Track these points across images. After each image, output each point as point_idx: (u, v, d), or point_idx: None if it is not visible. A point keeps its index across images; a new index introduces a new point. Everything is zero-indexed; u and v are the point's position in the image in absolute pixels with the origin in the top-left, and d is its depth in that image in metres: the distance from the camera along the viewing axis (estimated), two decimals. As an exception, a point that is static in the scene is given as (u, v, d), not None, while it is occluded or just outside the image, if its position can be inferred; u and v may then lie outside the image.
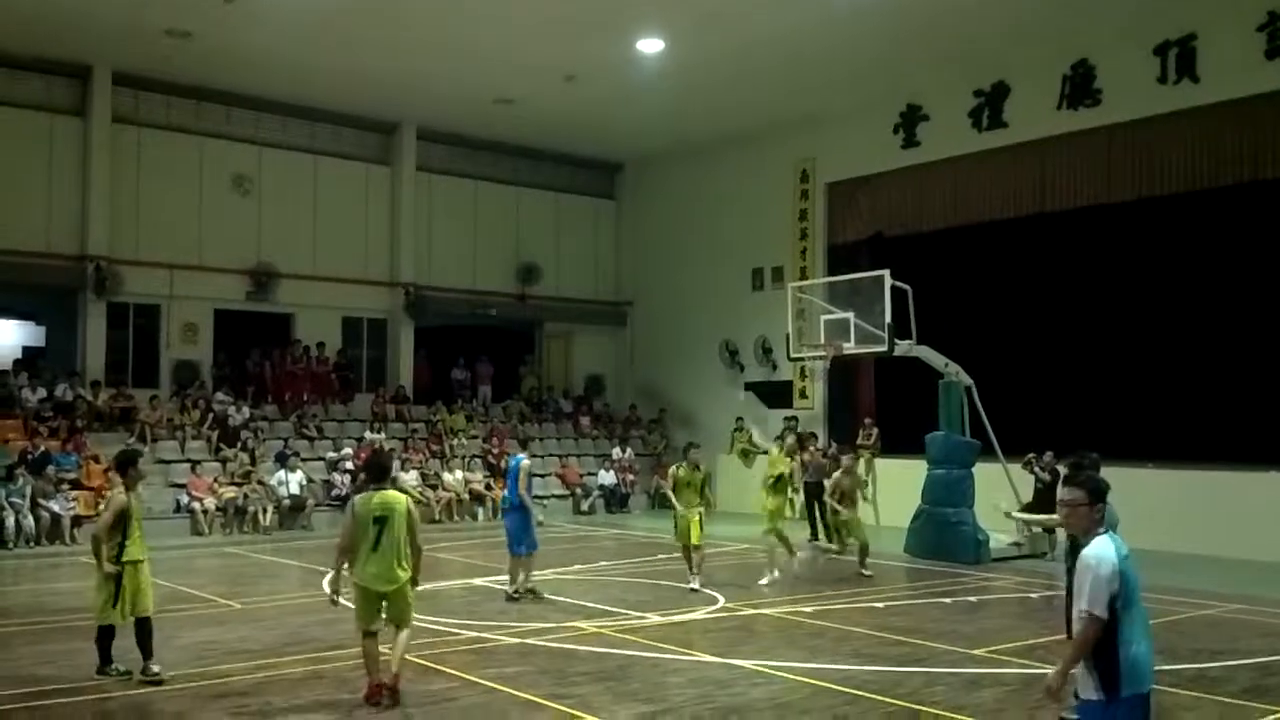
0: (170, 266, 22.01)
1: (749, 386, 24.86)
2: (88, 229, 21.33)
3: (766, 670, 8.70)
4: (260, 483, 19.75)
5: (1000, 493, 15.31)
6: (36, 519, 17.09)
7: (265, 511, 19.21)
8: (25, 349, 23.89)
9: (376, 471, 8.06)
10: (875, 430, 21.24)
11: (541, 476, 23.05)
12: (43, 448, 18.39)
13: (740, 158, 25.21)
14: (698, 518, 12.58)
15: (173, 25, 18.76)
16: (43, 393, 20.31)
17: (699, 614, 11.23)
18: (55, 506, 17.35)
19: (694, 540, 12.54)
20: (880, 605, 11.76)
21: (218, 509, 19.04)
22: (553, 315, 28.02)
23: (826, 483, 15.13)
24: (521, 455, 12.55)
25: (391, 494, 7.73)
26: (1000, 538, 15.84)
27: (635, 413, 27.11)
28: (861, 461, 18.58)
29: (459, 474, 22.12)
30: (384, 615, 7.66)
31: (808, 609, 11.45)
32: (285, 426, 22.27)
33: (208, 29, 18.98)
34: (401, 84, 22.05)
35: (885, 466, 20.07)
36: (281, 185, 23.61)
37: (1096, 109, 19.00)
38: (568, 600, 12.00)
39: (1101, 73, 18.97)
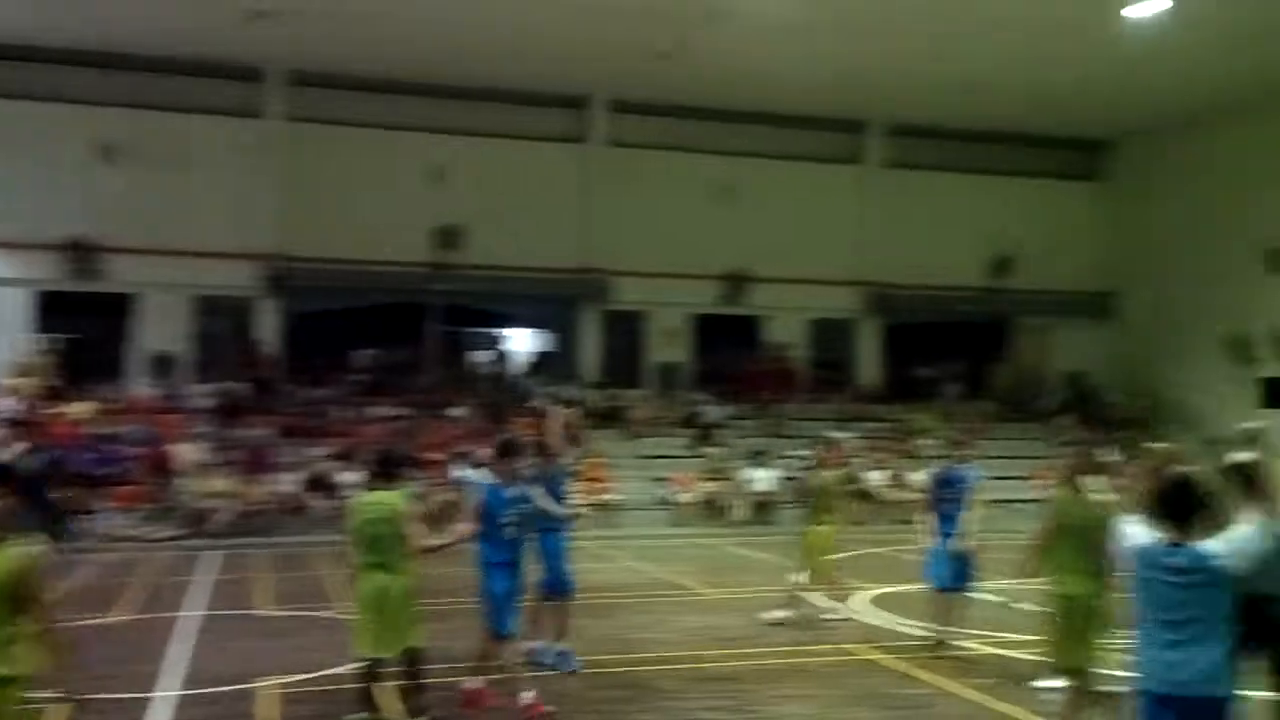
0: (654, 275, 23.70)
1: (1264, 382, 21.76)
2: (587, 244, 23.63)
3: None
4: (732, 478, 20.62)
5: None
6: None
7: (736, 506, 20.03)
8: (538, 354, 26.93)
9: None
10: None
11: (1014, 480, 21.80)
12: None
13: (1248, 127, 22.20)
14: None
15: (657, 49, 20.08)
16: (550, 392, 22.73)
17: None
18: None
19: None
20: None
21: (695, 502, 20.17)
22: (1028, 309, 26.50)
23: None
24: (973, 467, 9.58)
25: None
26: None
27: (1131, 411, 24.57)
28: None
29: (924, 474, 21.53)
30: None
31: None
32: (758, 425, 23.07)
33: (687, 49, 20.11)
34: (867, 81, 21.98)
35: None
36: (755, 192, 24.49)
37: None
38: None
39: None
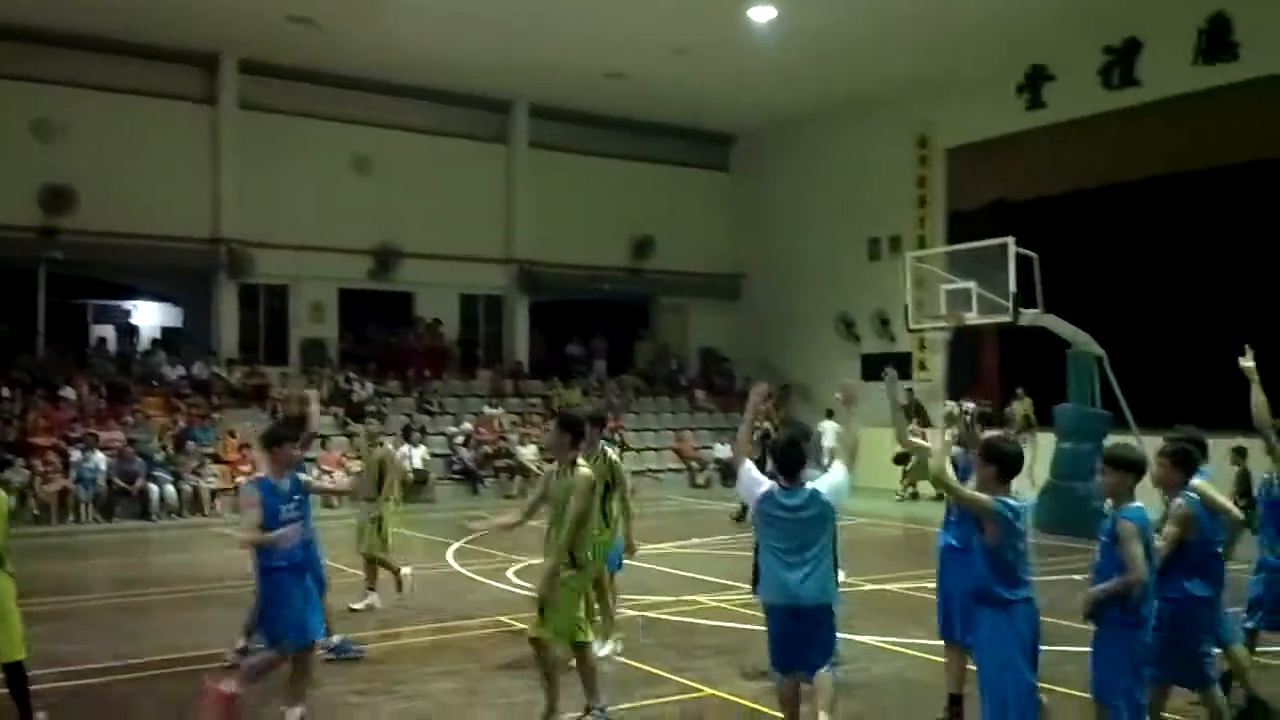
0: (297, 248, 22.69)
1: (865, 359, 24.45)
2: (220, 213, 22.20)
3: (889, 646, 8.56)
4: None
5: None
6: (179, 491, 17.93)
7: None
8: (164, 329, 25.01)
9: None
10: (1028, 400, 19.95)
11: (655, 451, 23.19)
12: (182, 423, 19.26)
13: (855, 126, 24.69)
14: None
15: (297, 12, 19.27)
16: (181, 370, 21.27)
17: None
18: (196, 480, 18.19)
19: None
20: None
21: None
22: (667, 289, 28.05)
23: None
24: None
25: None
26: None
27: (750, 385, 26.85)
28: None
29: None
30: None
31: (932, 584, 11.20)
32: (408, 403, 22.83)
33: (331, 17, 19.45)
34: (514, 63, 22.21)
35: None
36: (401, 166, 24.07)
37: (1235, 64, 18.03)
38: (686, 574, 12.02)
39: (1240, 25, 17.98)
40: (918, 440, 7.57)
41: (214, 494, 18.22)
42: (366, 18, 19.35)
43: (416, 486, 20.07)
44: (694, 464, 23.73)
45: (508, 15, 19.33)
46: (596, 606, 7.87)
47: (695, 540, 14.81)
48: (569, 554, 6.28)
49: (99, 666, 8.11)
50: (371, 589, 10.20)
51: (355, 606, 9.90)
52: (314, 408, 8.10)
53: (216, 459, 18.98)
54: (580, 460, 6.50)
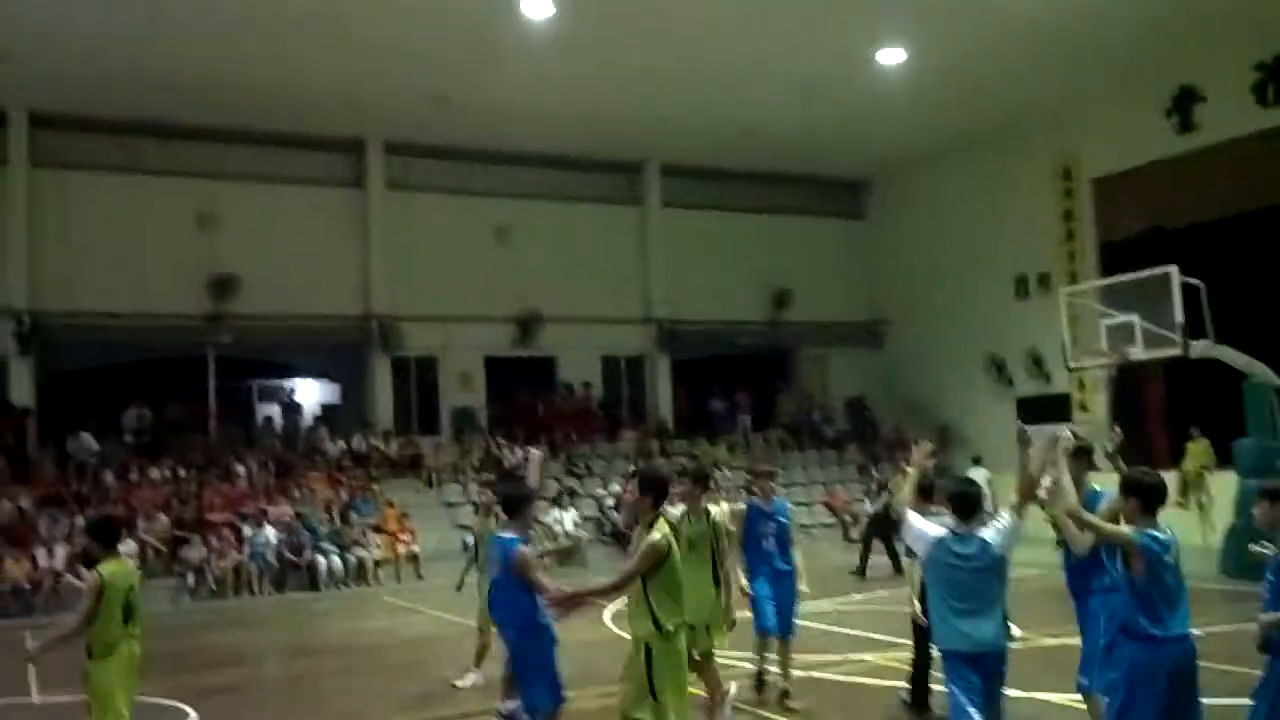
0: (444, 320, 23.37)
1: (1021, 403, 23.55)
2: (370, 290, 23.10)
3: (1078, 706, 8.08)
4: (538, 521, 20.47)
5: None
6: (344, 562, 18.48)
7: (545, 550, 19.87)
8: (324, 405, 26.00)
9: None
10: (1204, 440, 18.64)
11: (806, 505, 22.75)
12: (345, 496, 19.91)
13: (994, 161, 24.13)
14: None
15: (433, 92, 20.03)
16: (342, 445, 22.02)
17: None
18: (360, 550, 18.72)
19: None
20: (1199, 632, 10.70)
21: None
22: (807, 340, 27.76)
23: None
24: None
25: None
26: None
27: (901, 434, 26.17)
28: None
29: (725, 506, 22.09)
30: None
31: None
32: (555, 467, 23.05)
33: (464, 92, 20.17)
34: (644, 122, 22.59)
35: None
36: (539, 233, 24.64)
37: None
38: (850, 631, 11.69)
39: None
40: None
41: (377, 564, 18.70)
42: (495, 89, 19.97)
43: (569, 551, 20.13)
44: (847, 517, 23.18)
45: (634, 72, 19.68)
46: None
47: (856, 596, 14.42)
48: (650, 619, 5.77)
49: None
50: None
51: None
52: (534, 467, 7.79)
53: (378, 529, 19.50)
54: (663, 520, 6.02)
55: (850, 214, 28.59)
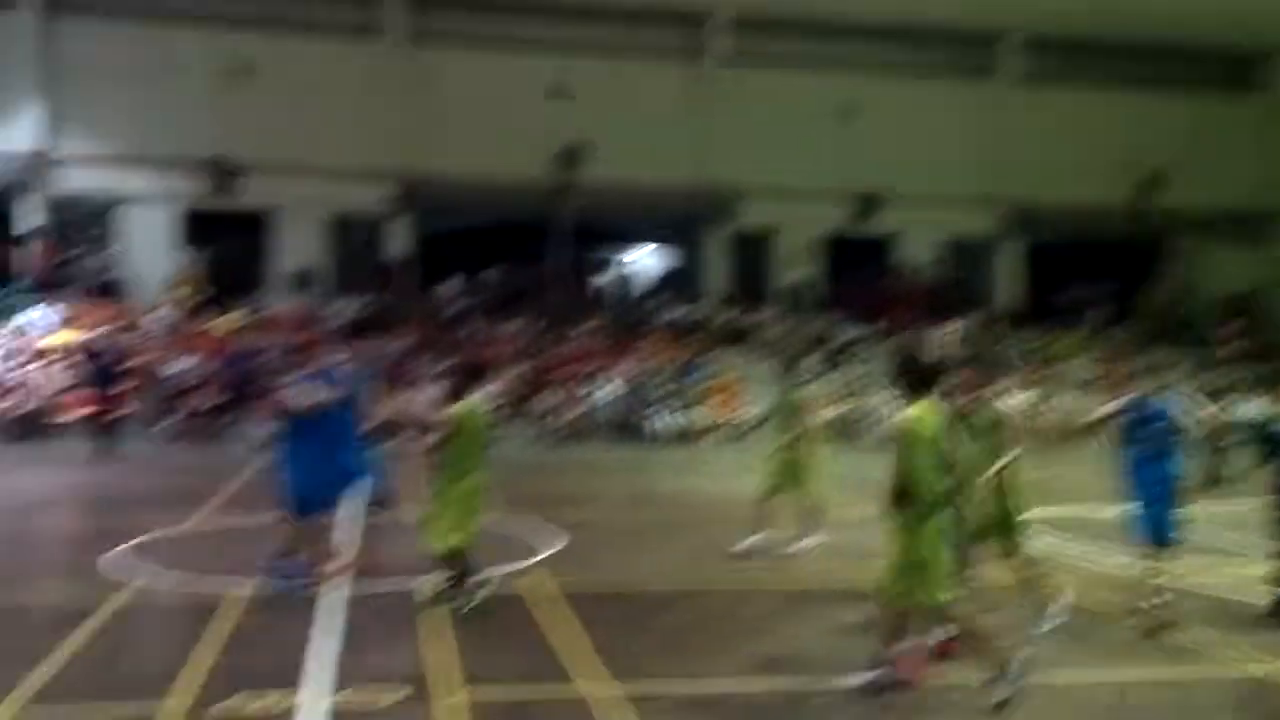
0: (781, 196, 23.15)
1: None
2: (709, 163, 23.22)
3: None
4: (864, 401, 20.18)
5: None
6: (676, 422, 19.15)
7: (867, 429, 19.61)
8: (661, 273, 26.73)
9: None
10: None
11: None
12: (679, 361, 20.51)
13: None
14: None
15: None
16: (677, 312, 22.63)
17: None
18: (691, 413, 19.33)
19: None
20: None
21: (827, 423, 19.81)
22: (1179, 229, 25.12)
23: None
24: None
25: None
26: None
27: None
28: None
29: (1019, 398, 20.71)
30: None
31: None
32: (884, 348, 22.49)
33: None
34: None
35: None
36: (883, 110, 23.74)
37: None
38: (1213, 543, 10.60)
39: None
40: None
41: (706, 427, 19.21)
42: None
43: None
44: (1215, 423, 20.97)
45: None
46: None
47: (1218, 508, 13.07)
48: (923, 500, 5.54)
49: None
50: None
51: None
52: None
53: (709, 395, 19.96)
54: (927, 405, 5.70)
55: (1239, 87, 25.24)
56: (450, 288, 22.20)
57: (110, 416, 15.94)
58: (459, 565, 7.14)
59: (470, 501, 7.10)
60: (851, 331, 22.46)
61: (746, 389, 20.22)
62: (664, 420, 19.16)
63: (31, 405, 17.47)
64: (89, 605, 7.06)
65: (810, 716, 5.49)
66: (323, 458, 7.44)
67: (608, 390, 19.28)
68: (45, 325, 19.30)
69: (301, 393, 7.58)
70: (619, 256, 27.23)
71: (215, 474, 13.68)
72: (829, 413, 19.66)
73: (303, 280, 22.15)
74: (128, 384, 16.73)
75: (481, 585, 7.19)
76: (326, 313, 21.03)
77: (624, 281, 25.66)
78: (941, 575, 5.58)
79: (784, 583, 8.37)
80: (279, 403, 7.80)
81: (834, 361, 21.48)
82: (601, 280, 25.78)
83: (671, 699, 5.61)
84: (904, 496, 5.56)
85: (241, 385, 18.12)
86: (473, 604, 7.02)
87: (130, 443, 16.16)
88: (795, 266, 24.01)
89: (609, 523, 11.16)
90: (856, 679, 5.72)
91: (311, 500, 7.52)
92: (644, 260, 27.68)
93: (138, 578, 7.93)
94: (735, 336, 22.26)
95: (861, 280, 24.31)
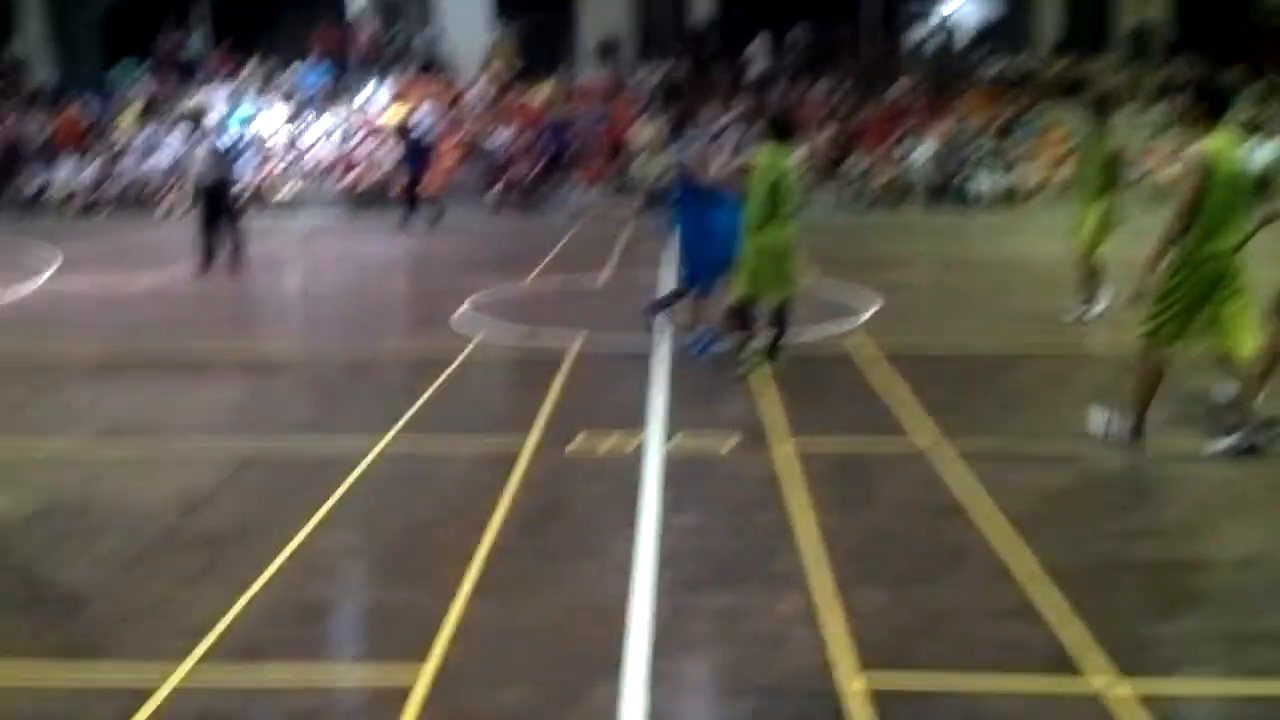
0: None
1: None
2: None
3: None
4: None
5: None
6: (998, 183, 17.96)
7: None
8: (982, 23, 24.48)
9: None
10: None
11: None
12: (1003, 118, 19.02)
13: None
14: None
15: None
16: (1000, 65, 20.82)
17: None
18: (1015, 173, 18.04)
19: None
20: None
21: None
22: None
23: None
24: None
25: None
26: None
27: None
28: None
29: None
30: None
31: None
32: (1253, 95, 19.71)
33: None
34: None
35: None
36: None
37: None
38: None
39: None
40: None
41: (1031, 189, 17.90)
42: None
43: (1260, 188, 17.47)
44: None
45: None
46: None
47: None
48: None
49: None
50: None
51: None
52: None
53: (1035, 153, 18.51)
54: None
55: None
56: (755, 49, 21.44)
57: (416, 192, 16.35)
58: (742, 319, 7.03)
59: (771, 258, 6.80)
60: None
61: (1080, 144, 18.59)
62: (985, 182, 18.01)
63: (373, 178, 18.86)
64: (444, 355, 7.66)
65: (1170, 486, 5.13)
66: (711, 227, 7.26)
67: (922, 151, 18.26)
68: (379, 103, 20.55)
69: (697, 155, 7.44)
70: (935, 6, 25.15)
71: (539, 239, 14.34)
72: (1169, 170, 17.86)
73: (607, 49, 22.15)
74: (437, 162, 17.15)
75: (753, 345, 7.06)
76: (631, 82, 21.04)
77: (942, 34, 23.79)
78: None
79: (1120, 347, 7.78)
80: (688, 172, 7.44)
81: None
82: (916, 34, 24.06)
83: (1007, 457, 5.38)
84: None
85: (557, 155, 18.69)
86: (748, 365, 6.93)
87: (459, 213, 17.12)
88: (1141, 5, 21.26)
89: (927, 287, 10.75)
90: (1222, 444, 5.30)
91: (706, 269, 7.45)
92: (963, 9, 25.43)
93: (483, 331, 8.51)
94: (1069, 88, 20.23)
95: (1220, 19, 21.22)
